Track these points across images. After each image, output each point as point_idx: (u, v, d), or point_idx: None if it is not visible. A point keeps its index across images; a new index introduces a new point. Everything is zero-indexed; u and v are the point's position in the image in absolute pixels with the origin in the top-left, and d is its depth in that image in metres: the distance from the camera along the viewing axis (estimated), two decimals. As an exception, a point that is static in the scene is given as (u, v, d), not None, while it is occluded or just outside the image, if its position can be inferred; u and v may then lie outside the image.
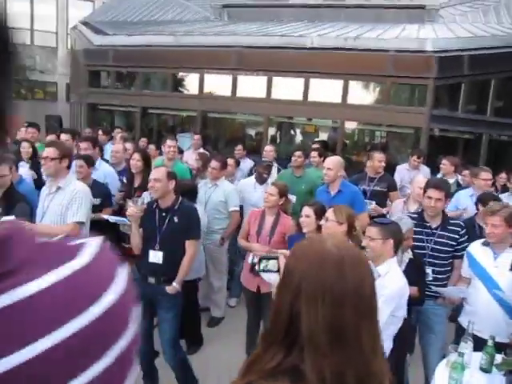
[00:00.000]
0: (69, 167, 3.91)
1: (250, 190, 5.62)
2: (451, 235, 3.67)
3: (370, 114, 7.61)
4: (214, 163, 5.25)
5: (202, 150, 7.90)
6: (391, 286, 2.69)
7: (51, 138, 6.72)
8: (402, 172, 7.07)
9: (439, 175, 6.93)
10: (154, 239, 3.69)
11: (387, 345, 2.87)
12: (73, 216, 3.72)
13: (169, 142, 5.89)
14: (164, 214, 3.70)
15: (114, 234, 5.56)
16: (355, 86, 7.77)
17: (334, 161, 4.78)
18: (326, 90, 8.03)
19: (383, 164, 5.58)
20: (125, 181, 5.53)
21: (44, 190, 3.93)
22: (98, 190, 5.04)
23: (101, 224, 5.15)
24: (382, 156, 5.56)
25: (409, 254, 3.47)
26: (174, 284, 3.65)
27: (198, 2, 14.60)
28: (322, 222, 3.43)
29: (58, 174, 3.80)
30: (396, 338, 2.96)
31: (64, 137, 6.22)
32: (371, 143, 9.12)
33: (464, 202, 5.71)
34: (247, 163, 7.11)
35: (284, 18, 12.30)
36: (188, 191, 4.53)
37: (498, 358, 2.77)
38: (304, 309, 1.05)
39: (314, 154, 6.72)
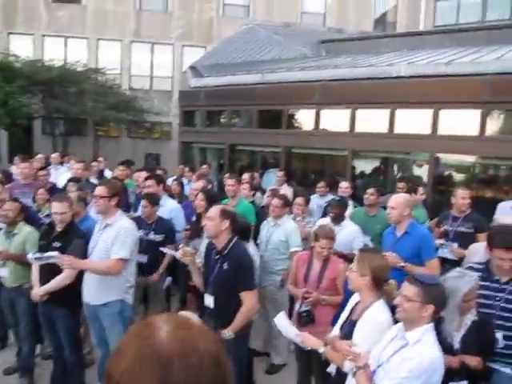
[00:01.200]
0: (118, 205, 4.02)
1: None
2: (527, 292, 2.98)
3: (464, 145, 6.80)
4: (275, 201, 5.07)
5: (285, 187, 7.78)
6: (419, 358, 2.19)
7: (137, 175, 7.13)
8: (504, 211, 6.13)
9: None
10: (208, 282, 3.60)
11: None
12: (116, 253, 3.79)
13: (229, 181, 5.85)
14: (217, 257, 3.56)
15: (183, 272, 5.65)
16: (447, 115, 7.04)
17: (398, 199, 4.28)
18: (414, 121, 7.42)
19: (467, 201, 4.89)
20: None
21: (97, 227, 4.09)
22: (162, 226, 5.20)
23: (173, 261, 5.27)
24: (465, 192, 4.91)
25: (472, 316, 2.86)
26: (227, 332, 3.41)
27: (298, 40, 14.80)
28: (347, 272, 3.02)
29: (108, 211, 3.94)
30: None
31: (144, 174, 6.53)
32: (476, 177, 8.16)
33: None
34: (328, 199, 6.77)
35: (384, 48, 11.85)
36: (239, 230, 4.38)
37: None
38: None
39: (399, 191, 6.22)
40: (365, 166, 9.05)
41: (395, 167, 8.97)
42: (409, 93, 7.22)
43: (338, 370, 2.79)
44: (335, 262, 3.81)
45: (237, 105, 9.72)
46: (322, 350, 2.79)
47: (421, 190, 6.03)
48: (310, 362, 3.82)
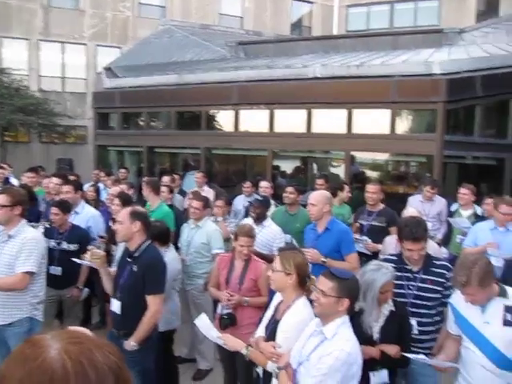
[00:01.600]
0: (22, 215, 3.70)
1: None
2: (436, 279, 3.14)
3: (376, 143, 7.15)
4: (195, 203, 4.96)
5: (206, 188, 7.68)
6: (337, 352, 2.20)
7: (47, 181, 6.68)
8: (414, 204, 6.49)
9: (455, 206, 6.34)
10: (117, 286, 3.42)
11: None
12: (21, 266, 3.49)
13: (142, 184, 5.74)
14: (129, 260, 3.41)
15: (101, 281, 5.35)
16: (360, 115, 7.36)
17: (317, 196, 4.34)
18: (329, 121, 7.67)
19: (375, 196, 5.12)
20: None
21: (-4, 239, 3.72)
22: (76, 234, 4.91)
23: (90, 271, 4.97)
24: (372, 187, 5.13)
25: (389, 306, 2.95)
26: (131, 341, 3.28)
27: (216, 42, 14.74)
28: (269, 272, 3.00)
29: (10, 221, 3.61)
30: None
31: (55, 180, 6.14)
32: (388, 173, 8.60)
33: (483, 238, 5.03)
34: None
35: (300, 51, 12.14)
36: (158, 234, 4.23)
37: None
38: None
39: (318, 188, 6.38)
40: (286, 165, 9.19)
41: (315, 166, 9.20)
42: (324, 93, 7.44)
43: (264, 370, 2.75)
44: (257, 262, 3.78)
45: (154, 106, 9.46)
46: (244, 351, 2.73)
47: (347, 187, 6.22)
48: (235, 365, 3.77)
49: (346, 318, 2.36)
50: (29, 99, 17.07)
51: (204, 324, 3.07)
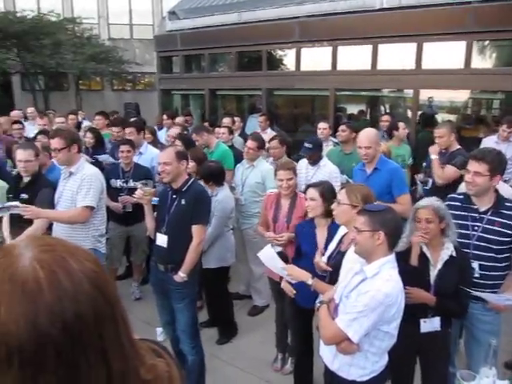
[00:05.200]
0: (79, 151, 3.86)
1: (302, 173, 5.06)
2: (505, 221, 2.85)
3: (448, 80, 6.52)
4: (249, 143, 4.92)
5: (269, 131, 7.58)
6: (374, 292, 2.11)
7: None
8: (488, 145, 5.99)
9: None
10: (163, 222, 3.54)
11: (375, 362, 2.30)
12: (82, 201, 3.68)
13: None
14: (174, 196, 3.53)
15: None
16: (431, 49, 6.71)
17: (370, 136, 4.01)
18: (397, 56, 7.09)
19: (442, 140, 4.65)
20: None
21: (62, 176, 3.94)
22: (141, 172, 5.09)
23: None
24: (439, 131, 4.67)
25: (448, 250, 2.75)
26: (180, 273, 3.43)
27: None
28: (334, 205, 2.90)
29: (70, 161, 3.79)
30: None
31: (98, 117, 6.46)
32: (461, 113, 7.96)
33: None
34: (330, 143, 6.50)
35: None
36: (211, 174, 4.28)
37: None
38: None
39: (383, 124, 6.18)
40: (349, 104, 8.77)
41: (385, 106, 8.68)
42: (391, 26, 6.85)
43: None
44: (302, 199, 3.69)
45: (214, 47, 9.29)
46: (310, 281, 2.73)
47: (402, 125, 5.85)
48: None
49: (390, 258, 2.25)
50: (99, 47, 17.52)
51: (268, 256, 3.09)
